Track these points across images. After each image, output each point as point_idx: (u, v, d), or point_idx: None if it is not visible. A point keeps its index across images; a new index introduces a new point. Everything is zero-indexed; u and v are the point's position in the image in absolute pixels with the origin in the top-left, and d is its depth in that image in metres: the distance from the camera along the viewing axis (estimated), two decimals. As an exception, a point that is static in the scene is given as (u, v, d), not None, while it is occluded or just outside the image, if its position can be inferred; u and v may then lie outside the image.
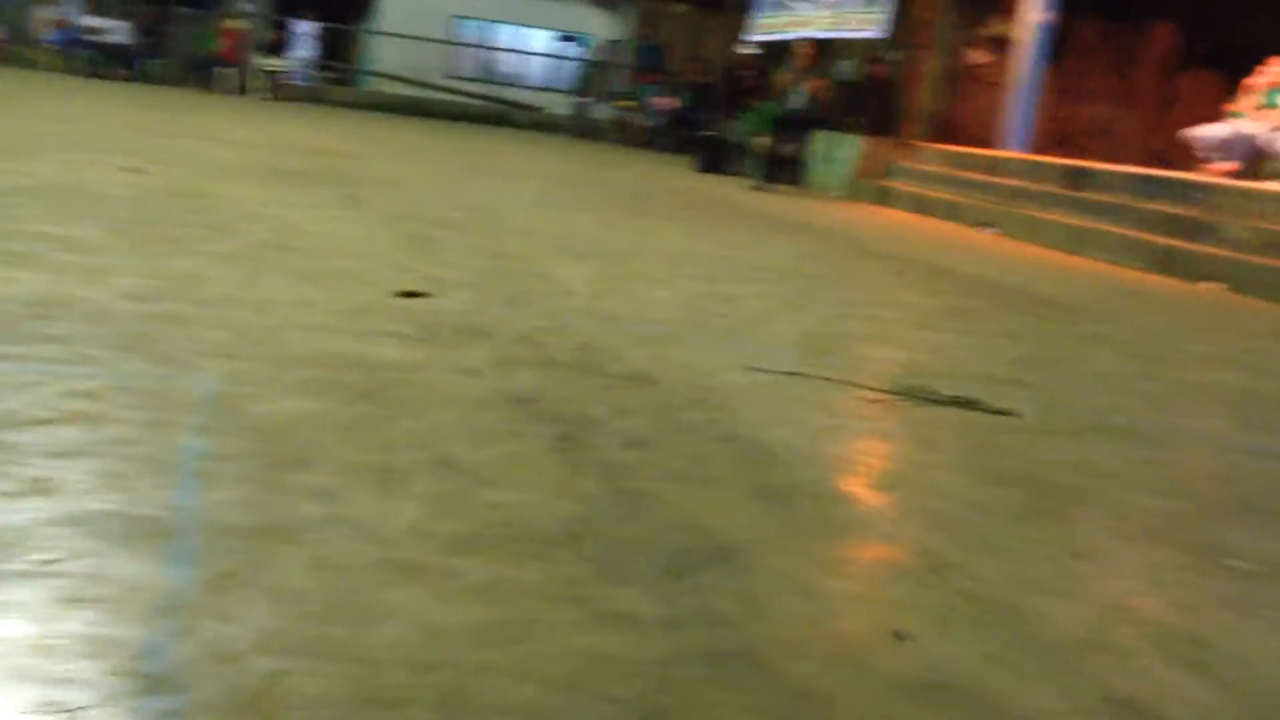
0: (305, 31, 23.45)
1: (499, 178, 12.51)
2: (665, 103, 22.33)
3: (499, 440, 3.17)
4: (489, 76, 28.34)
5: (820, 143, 14.73)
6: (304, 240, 6.25)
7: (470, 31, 28.64)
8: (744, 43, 18.52)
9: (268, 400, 3.25)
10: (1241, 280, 9.00)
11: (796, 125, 14.10)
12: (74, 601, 1.98)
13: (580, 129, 24.56)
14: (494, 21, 28.67)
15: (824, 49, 14.82)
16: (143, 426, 2.90)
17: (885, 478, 3.39)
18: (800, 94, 14.05)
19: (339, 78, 26.96)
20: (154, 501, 2.45)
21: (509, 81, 27.58)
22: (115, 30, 22.86)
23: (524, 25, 28.48)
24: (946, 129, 16.25)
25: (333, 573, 2.21)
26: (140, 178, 7.88)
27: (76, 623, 1.91)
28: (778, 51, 17.71)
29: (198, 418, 3.03)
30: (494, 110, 24.89)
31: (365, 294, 4.91)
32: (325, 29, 24.57)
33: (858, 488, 3.20)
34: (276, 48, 23.17)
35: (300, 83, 23.42)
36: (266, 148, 12.21)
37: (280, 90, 22.89)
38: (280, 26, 23.95)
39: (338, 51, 27.87)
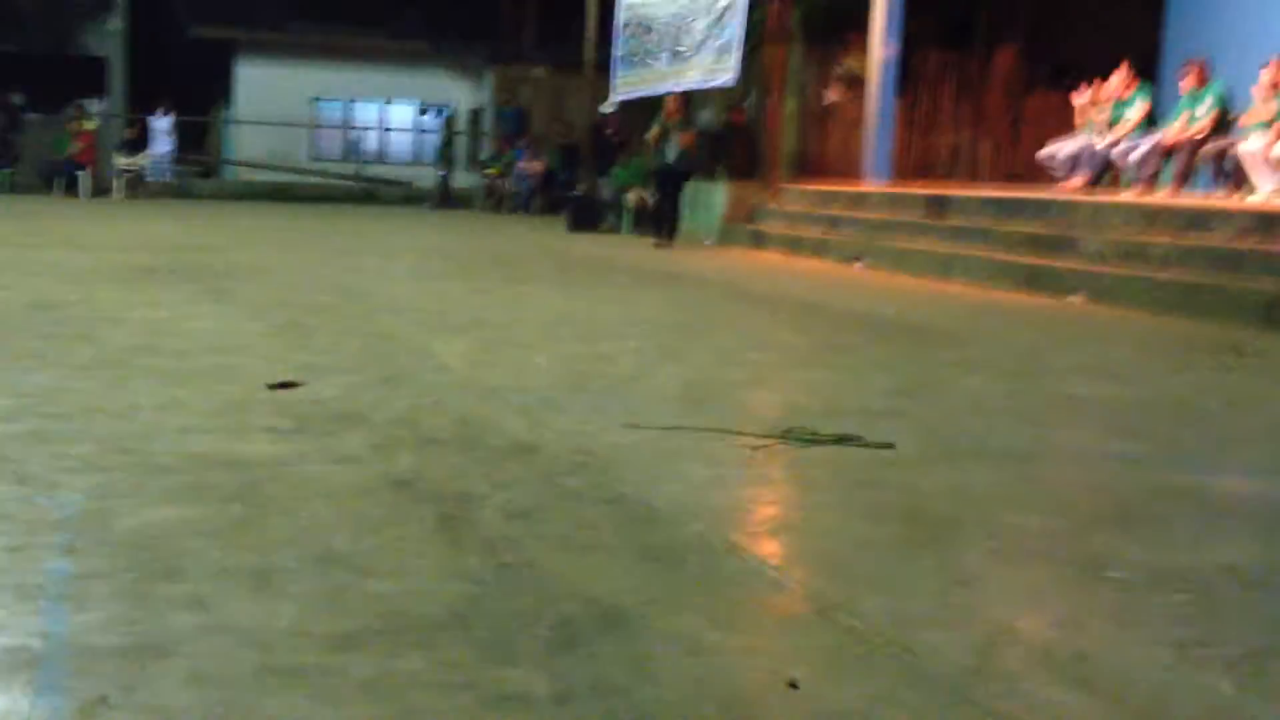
0: (162, 126, 23.12)
1: (369, 256, 12.42)
2: (532, 166, 22.44)
3: (379, 528, 3.13)
4: (354, 155, 28.25)
5: (689, 192, 14.92)
6: (170, 340, 6.12)
7: (331, 112, 28.54)
8: (606, 102, 18.72)
9: (136, 512, 3.17)
10: (1103, 290, 9.29)
11: (668, 178, 14.27)
12: (-65, 749, 1.89)
13: (449, 200, 24.55)
14: (354, 100, 28.60)
15: (687, 100, 15.03)
16: (4, 552, 2.80)
17: (770, 525, 3.42)
18: (670, 147, 14.23)
19: (200, 170, 26.63)
20: (19, 629, 2.36)
21: (374, 159, 27.50)
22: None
23: (384, 101, 28.45)
24: (809, 168, 16.58)
25: (210, 685, 2.15)
26: (-5, 291, 7.67)
27: (-61, 771, 1.83)
28: (640, 107, 17.92)
29: (63, 537, 2.94)
30: (361, 189, 24.79)
31: (235, 390, 4.83)
32: (182, 121, 24.25)
33: (743, 538, 3.22)
34: (134, 145, 22.81)
35: (161, 179, 23.05)
36: (128, 248, 11.98)
37: (140, 188, 22.52)
38: (136, 123, 23.58)
39: (197, 143, 27.55)
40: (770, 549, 3.13)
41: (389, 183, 25.97)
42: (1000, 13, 17.87)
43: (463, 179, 26.22)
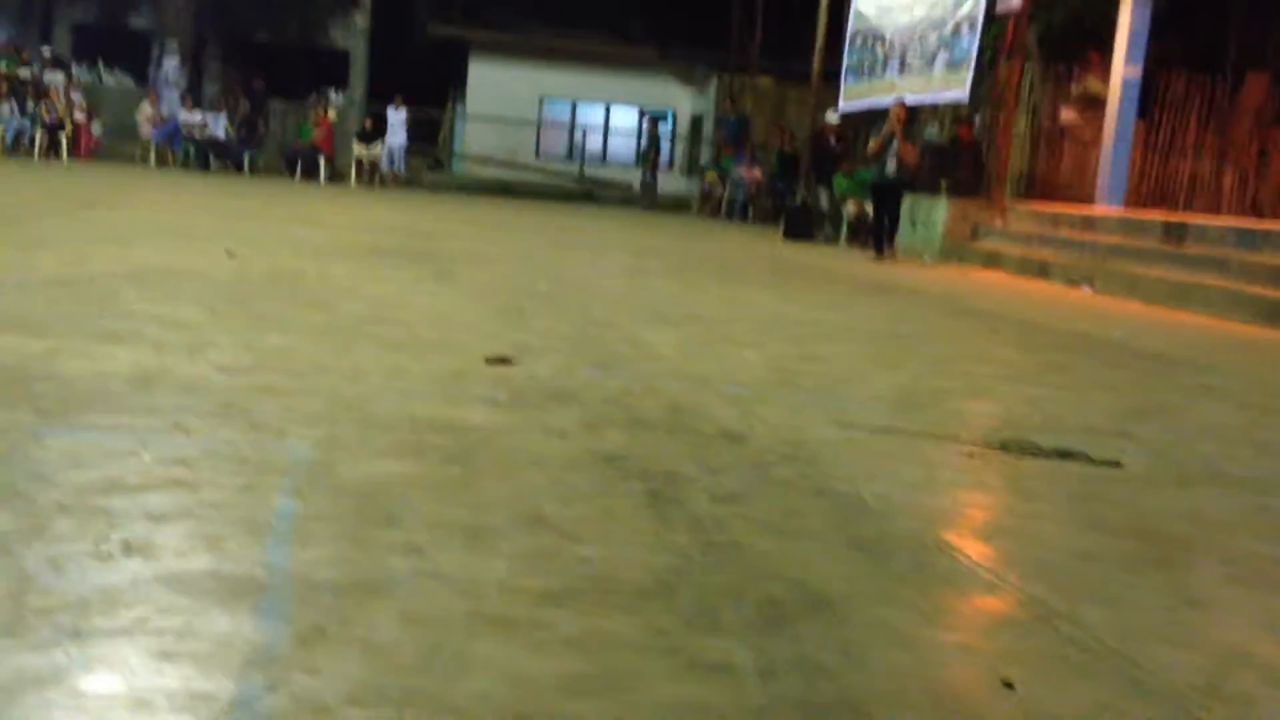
0: (397, 118, 24.00)
1: (587, 251, 12.61)
2: (750, 174, 22.42)
3: (588, 498, 3.15)
4: (577, 155, 28.78)
5: (911, 207, 14.65)
6: (396, 313, 6.33)
7: (557, 112, 29.14)
8: (830, 111, 18.57)
9: (358, 463, 3.27)
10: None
11: (886, 190, 14.04)
12: (169, 657, 1.98)
13: (655, 201, 24.77)
14: (579, 101, 29.14)
15: (912, 113, 14.77)
16: (236, 490, 2.92)
17: (985, 528, 3.30)
18: (892, 159, 13.99)
19: (431, 162, 27.55)
20: (247, 560, 2.46)
21: (596, 160, 27.96)
22: (213, 124, 23.63)
23: (610, 103, 28.89)
24: (1038, 188, 16.07)
25: (422, 626, 2.19)
26: (237, 261, 8.08)
27: (171, 678, 1.91)
28: (864, 118, 17.72)
29: (290, 480, 3.06)
30: (582, 189, 25.22)
31: (455, 362, 4.95)
32: (416, 115, 25.13)
33: (956, 538, 3.11)
34: (370, 135, 23.75)
35: (394, 168, 23.93)
36: (361, 230, 12.46)
37: (375, 176, 23.42)
38: (373, 114, 24.56)
39: (429, 137, 28.52)
40: (985, 551, 3.02)
41: (608, 184, 26.36)
42: (1253, 36, 16.98)
43: (681, 183, 26.42)
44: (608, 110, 29.11)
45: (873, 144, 14.05)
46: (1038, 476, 3.83)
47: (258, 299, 6.46)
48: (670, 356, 5.66)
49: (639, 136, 28.65)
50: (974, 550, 3.02)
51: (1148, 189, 16.02)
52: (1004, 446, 4.15)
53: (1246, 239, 11.16)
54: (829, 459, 3.82)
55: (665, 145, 28.68)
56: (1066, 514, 3.41)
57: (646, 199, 24.23)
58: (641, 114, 28.84)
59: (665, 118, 28.94)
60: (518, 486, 3.19)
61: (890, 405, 4.86)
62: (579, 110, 29.41)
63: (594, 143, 29.42)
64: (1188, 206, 15.89)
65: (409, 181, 24.18)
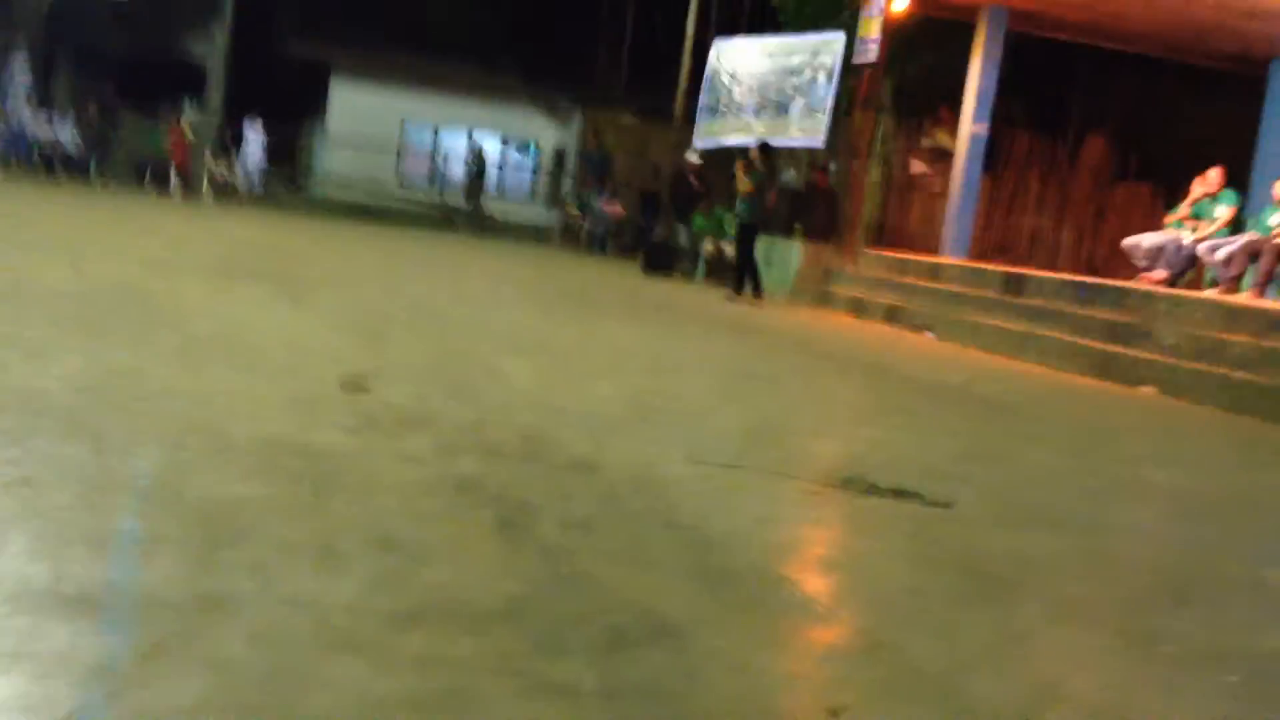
0: (254, 135, 23.59)
1: (445, 278, 12.57)
2: (611, 208, 22.62)
3: (440, 523, 3.18)
4: (438, 181, 28.64)
5: (766, 249, 14.97)
6: (248, 334, 6.25)
7: (418, 137, 28.98)
8: (690, 150, 18.87)
9: (206, 483, 3.25)
10: (1176, 384, 9.17)
11: (745, 231, 14.32)
12: (5, 672, 1.96)
13: (528, 234, 24.82)
14: (443, 126, 29.04)
15: (766, 155, 15.11)
16: (80, 508, 2.88)
17: (823, 563, 3.42)
18: (749, 200, 14.29)
19: (288, 181, 27.13)
20: (88, 577, 2.43)
21: (457, 187, 27.85)
22: (62, 133, 22.91)
23: (473, 130, 28.85)
24: (888, 236, 16.58)
25: (269, 645, 2.20)
26: (85, 275, 7.87)
27: (6, 690, 1.89)
28: (724, 158, 18.05)
29: (134, 499, 3.02)
30: (442, 215, 25.10)
31: (308, 385, 4.92)
32: (274, 134, 24.74)
33: (795, 572, 3.23)
34: (225, 151, 23.28)
35: (249, 186, 23.51)
36: (213, 247, 12.23)
37: (229, 193, 22.97)
38: (230, 129, 24.11)
39: (287, 156, 28.09)
40: (821, 585, 3.14)
41: (469, 212, 26.28)
42: (1092, 101, 17.86)
43: (543, 214, 26.53)
44: (470, 137, 29.06)
45: (746, 185, 14.30)
46: (875, 515, 3.98)
47: (106, 316, 6.31)
48: (526, 386, 5.71)
49: (505, 167, 28.70)
50: (811, 584, 3.14)
51: (991, 241, 16.66)
52: (845, 485, 4.30)
53: (1081, 292, 11.68)
54: (678, 492, 3.91)
55: (527, 176, 28.77)
56: (900, 551, 3.55)
57: (471, 226, 24.15)
58: (507, 143, 28.90)
59: (530, 149, 29.05)
60: (369, 510, 3.20)
61: (739, 441, 4.99)
62: (441, 136, 29.30)
63: (455, 169, 29.33)
64: (1029, 260, 16.57)
65: (265, 200, 23.76)
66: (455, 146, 28.91)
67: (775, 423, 5.71)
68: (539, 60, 28.75)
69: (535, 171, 29.02)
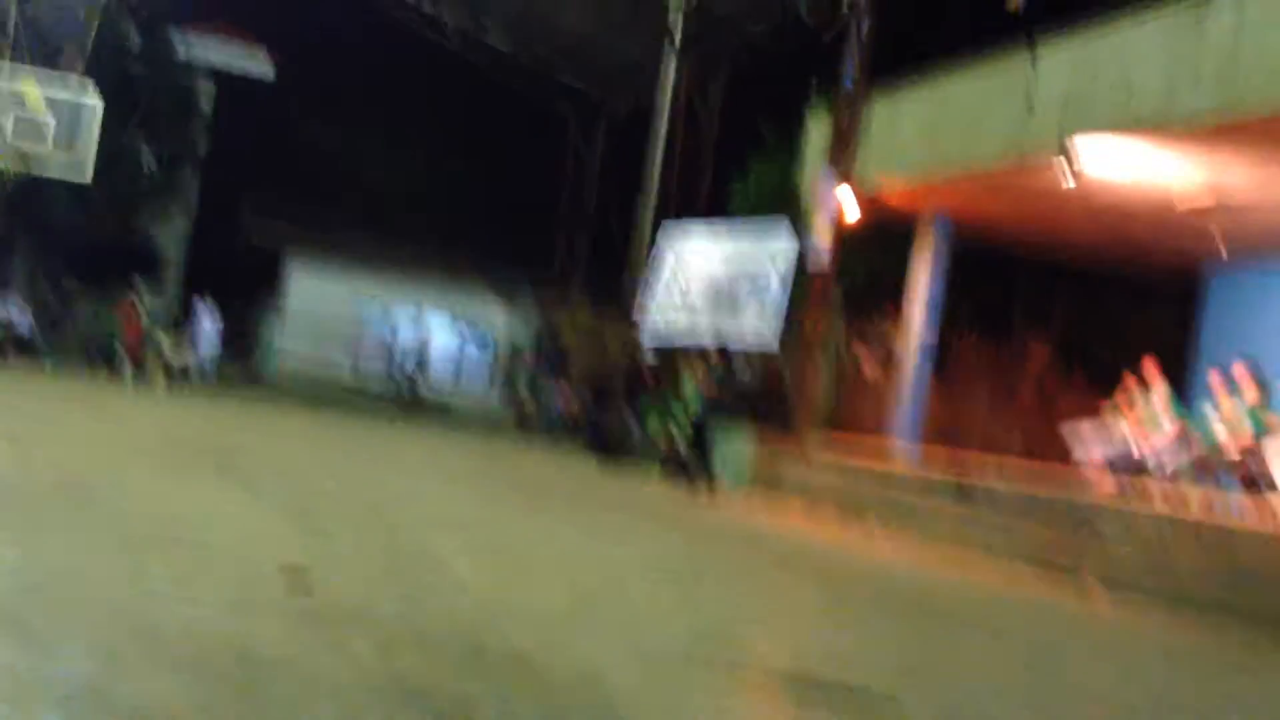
0: (209, 320, 23.66)
1: (398, 468, 12.50)
2: (564, 398, 22.76)
3: (378, 729, 3.08)
4: (393, 366, 28.74)
5: (719, 441, 15.05)
6: (192, 523, 6.15)
7: (376, 320, 29.18)
8: (642, 345, 19.12)
9: (136, 685, 3.14)
10: (1120, 584, 9.18)
11: (699, 425, 14.44)
12: None
13: (482, 422, 24.86)
14: (400, 309, 29.26)
15: (723, 353, 15.37)
16: (4, 706, 2.77)
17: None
18: (707, 398, 14.48)
19: (243, 366, 27.12)
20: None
21: (415, 376, 27.94)
22: (18, 317, 22.89)
23: (429, 311, 29.08)
24: (839, 430, 16.74)
25: None
26: (28, 461, 7.76)
27: None
28: (677, 353, 18.28)
29: (61, 700, 2.91)
30: (398, 401, 25.10)
31: (249, 579, 4.82)
32: (229, 318, 24.83)
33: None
34: (180, 337, 23.32)
35: (203, 371, 23.46)
36: (162, 433, 12.13)
37: (183, 379, 22.92)
38: (184, 316, 24.19)
39: (242, 340, 28.17)
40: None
41: (426, 399, 26.32)
42: (1030, 305, 18.35)
43: (499, 404, 26.62)
44: (416, 324, 29.28)
45: (706, 384, 14.54)
46: (823, 715, 3.90)
47: (46, 507, 6.19)
48: (474, 582, 5.62)
49: (462, 351, 28.92)
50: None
51: (938, 432, 16.84)
52: (792, 686, 4.23)
53: (1030, 503, 11.75)
54: (625, 694, 3.82)
55: (484, 365, 28.98)
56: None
57: (406, 409, 24.08)
58: (464, 331, 29.16)
59: (485, 340, 29.35)
60: (304, 713, 3.10)
61: (687, 640, 4.91)
62: (398, 320, 29.53)
63: (410, 355, 29.46)
64: (976, 444, 16.72)
65: (220, 385, 23.67)
66: (411, 331, 29.12)
67: (723, 622, 5.64)
68: (498, 252, 29.31)
69: (492, 360, 29.25)
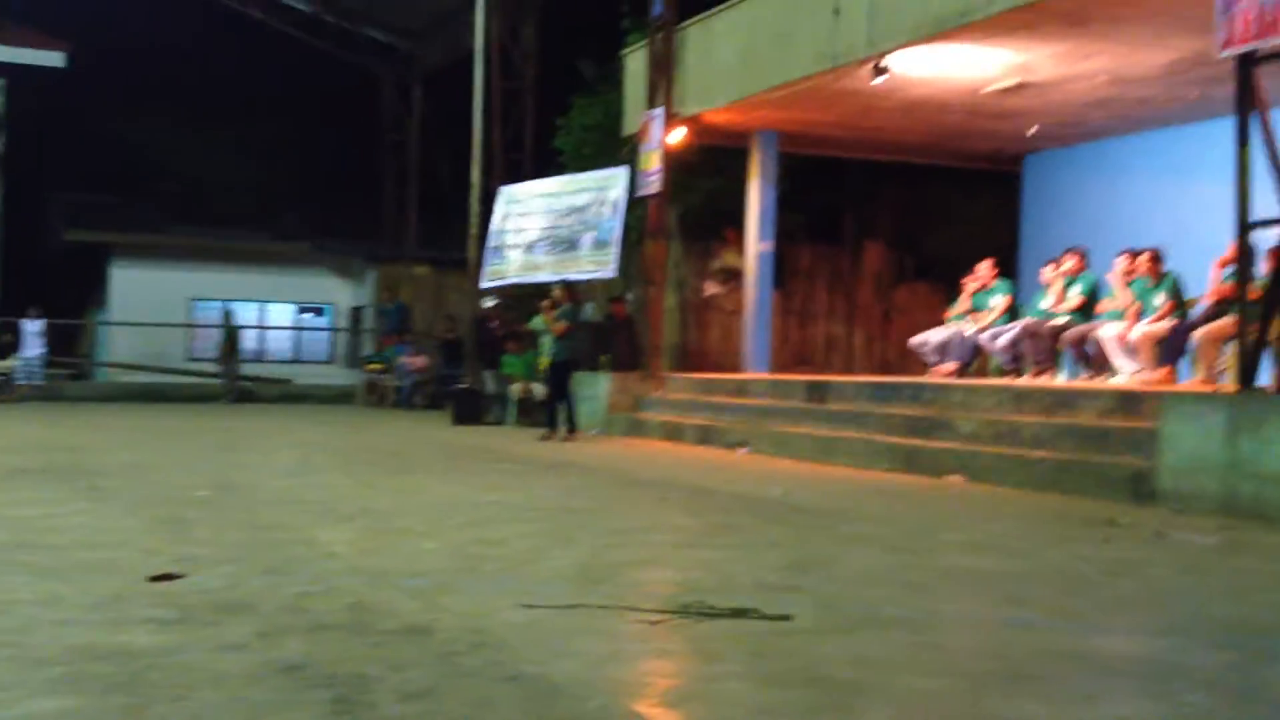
0: (33, 329, 22.67)
1: (249, 452, 12.21)
2: (414, 362, 22.48)
3: (272, 713, 3.03)
4: (225, 359, 27.85)
5: (574, 383, 15.08)
6: (45, 537, 5.92)
7: (209, 313, 28.27)
8: (486, 294, 18.95)
9: (13, 704, 3.03)
10: (979, 469, 9.53)
11: (560, 369, 14.43)
12: None
13: (332, 398, 24.40)
14: (232, 300, 28.43)
15: (571, 292, 15.32)
16: None
17: (672, 695, 3.38)
18: (560, 338, 14.45)
19: (73, 372, 26.06)
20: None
21: (254, 358, 27.20)
22: None
23: (264, 301, 28.32)
24: (691, 358, 16.91)
25: None
26: None
27: None
28: (524, 300, 18.19)
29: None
30: (240, 387, 24.43)
31: (114, 583, 4.67)
32: (54, 324, 23.82)
33: (647, 708, 3.18)
34: (3, 349, 22.32)
35: (31, 381, 22.51)
36: (-3, 448, 11.62)
37: (10, 391, 21.98)
38: (6, 327, 23.11)
39: (69, 345, 27.05)
40: (674, 718, 3.10)
41: (268, 380, 25.67)
42: (866, 212, 18.75)
43: (343, 376, 26.13)
44: (262, 309, 28.49)
45: (555, 324, 14.49)
46: (717, 638, 3.97)
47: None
48: (347, 554, 5.54)
49: (302, 332, 28.26)
50: (665, 718, 3.09)
51: (790, 354, 17.18)
52: (683, 611, 4.29)
53: (879, 392, 12.09)
54: (517, 642, 3.83)
55: (325, 339, 28.41)
56: (746, 671, 3.55)
57: (228, 394, 23.50)
58: (303, 310, 28.48)
59: (324, 311, 28.72)
60: (192, 710, 3.03)
61: (572, 581, 4.93)
62: (231, 309, 28.67)
63: (249, 341, 28.65)
64: (827, 367, 17.14)
65: (50, 394, 22.75)
66: (248, 318, 28.29)
67: (605, 558, 5.68)
68: (327, 221, 28.65)
69: (332, 333, 28.64)
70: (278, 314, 28.74)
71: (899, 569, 5.54)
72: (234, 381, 23.78)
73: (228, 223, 28.65)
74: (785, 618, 4.21)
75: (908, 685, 3.44)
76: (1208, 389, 9.16)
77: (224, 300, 26.76)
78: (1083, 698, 3.34)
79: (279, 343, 28.55)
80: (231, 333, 24.30)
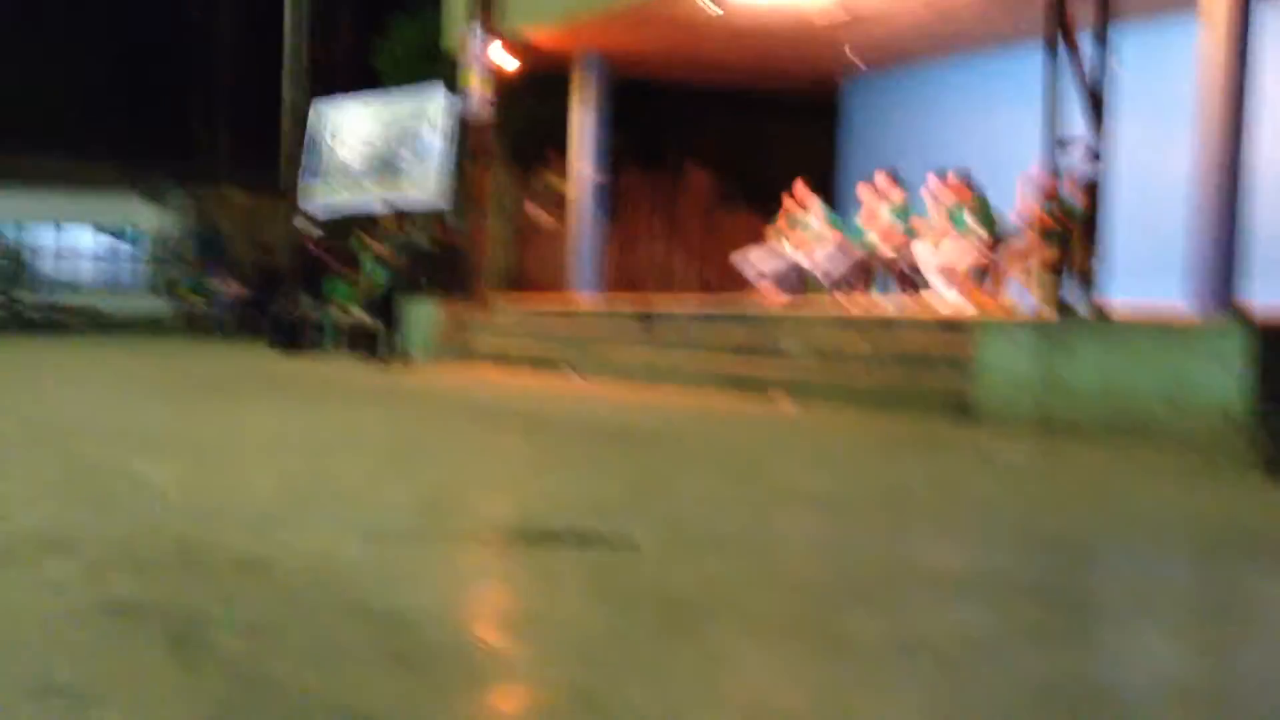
0: None
1: (58, 384, 11.65)
2: (231, 288, 21.78)
3: (103, 654, 2.88)
4: (32, 283, 26.52)
5: (404, 310, 14.82)
6: None
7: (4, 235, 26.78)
8: (305, 217, 18.39)
9: None
10: (808, 392, 9.73)
11: (383, 296, 14.16)
12: None
13: (143, 326, 23.48)
14: (27, 222, 26.96)
15: (401, 219, 15.01)
16: None
17: (520, 622, 3.36)
18: (387, 264, 14.17)
19: None
20: None
21: (57, 286, 25.93)
22: None
23: (64, 224, 26.97)
24: (520, 283, 16.77)
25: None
26: None
27: None
28: (346, 223, 17.73)
29: None
30: (42, 318, 23.25)
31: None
32: None
33: (494, 637, 3.15)
34: None
35: None
36: None
37: None
38: None
39: None
40: (523, 646, 3.07)
41: (73, 310, 24.51)
42: (688, 135, 18.79)
43: (154, 303, 25.15)
44: (65, 233, 27.14)
45: (382, 250, 14.20)
46: (560, 564, 3.95)
47: None
48: (171, 489, 5.33)
49: (103, 257, 27.04)
50: (511, 646, 3.06)
51: (616, 276, 17.19)
52: (524, 539, 4.26)
53: (708, 319, 12.20)
54: (357, 576, 3.74)
55: (129, 265, 27.25)
56: (594, 597, 3.54)
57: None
58: (117, 235, 27.20)
59: (131, 236, 27.52)
60: (14, 654, 2.87)
61: (410, 512, 4.85)
62: (27, 233, 27.18)
63: (46, 268, 27.23)
64: (654, 288, 17.21)
65: None
66: (45, 242, 26.91)
67: (443, 487, 5.60)
68: (130, 141, 27.30)
69: (138, 260, 27.47)
70: (79, 239, 27.43)
71: (734, 492, 5.62)
72: (12, 305, 22.51)
73: (23, 140, 27.05)
74: (626, 544, 4.22)
75: (754, 606, 3.48)
76: (1021, 314, 9.51)
77: (15, 222, 25.37)
78: (922, 611, 3.44)
79: (84, 269, 27.29)
80: (12, 256, 23.01)
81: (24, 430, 7.55)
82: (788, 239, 13.59)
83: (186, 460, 6.28)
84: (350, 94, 18.60)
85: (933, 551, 4.33)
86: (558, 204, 16.70)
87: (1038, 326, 8.08)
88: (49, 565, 3.77)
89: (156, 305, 25.07)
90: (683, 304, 13.19)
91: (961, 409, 8.42)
